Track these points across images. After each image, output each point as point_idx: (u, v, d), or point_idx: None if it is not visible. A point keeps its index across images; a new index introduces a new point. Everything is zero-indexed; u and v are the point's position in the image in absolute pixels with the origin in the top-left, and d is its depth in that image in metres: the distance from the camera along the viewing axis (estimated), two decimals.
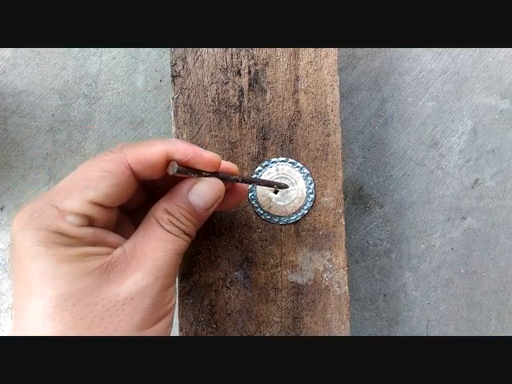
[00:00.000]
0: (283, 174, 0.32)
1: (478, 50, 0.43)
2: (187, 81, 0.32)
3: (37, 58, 0.40)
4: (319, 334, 0.31)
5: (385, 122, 0.42)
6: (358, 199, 0.42)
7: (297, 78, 0.32)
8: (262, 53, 0.32)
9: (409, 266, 0.43)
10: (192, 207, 0.24)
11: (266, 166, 0.32)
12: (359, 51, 0.42)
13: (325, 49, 0.31)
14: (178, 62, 0.31)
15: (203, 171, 0.24)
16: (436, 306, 0.43)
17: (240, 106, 0.32)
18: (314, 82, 0.32)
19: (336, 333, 0.31)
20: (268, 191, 0.32)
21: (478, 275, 0.43)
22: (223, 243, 0.31)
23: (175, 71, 0.31)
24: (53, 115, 0.40)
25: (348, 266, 0.32)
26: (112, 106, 0.40)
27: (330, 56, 0.32)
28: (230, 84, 0.32)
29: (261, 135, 0.32)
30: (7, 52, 0.40)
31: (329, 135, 0.32)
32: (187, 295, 0.31)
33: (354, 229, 0.42)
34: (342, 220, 0.32)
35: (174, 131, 0.31)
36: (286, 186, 0.31)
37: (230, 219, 0.31)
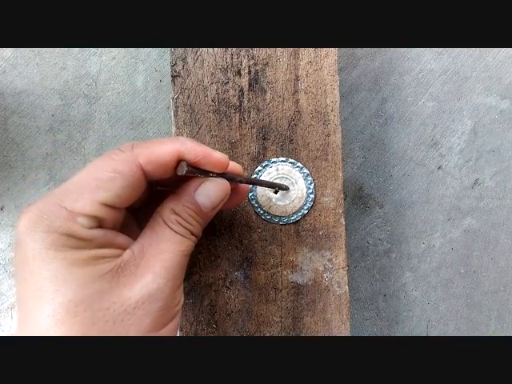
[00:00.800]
0: (283, 174, 0.32)
1: (478, 50, 0.43)
2: (187, 81, 0.32)
3: (37, 57, 0.40)
4: (319, 334, 0.31)
5: (385, 122, 0.42)
6: (358, 199, 0.42)
7: (297, 78, 0.32)
8: (262, 53, 0.32)
9: (409, 265, 0.43)
10: (199, 207, 0.24)
11: (266, 166, 0.32)
12: (359, 51, 0.42)
13: (325, 49, 0.31)
14: (178, 62, 0.31)
15: (211, 172, 0.24)
16: (436, 305, 0.43)
17: (240, 105, 0.32)
18: (314, 82, 0.32)
19: (336, 333, 0.31)
20: (268, 191, 0.32)
21: (478, 275, 0.43)
22: (223, 243, 0.31)
23: (175, 71, 0.31)
24: (53, 115, 0.40)
25: (348, 265, 0.32)
26: (112, 106, 0.40)
27: (330, 56, 0.32)
28: (230, 84, 0.32)
29: (261, 135, 0.32)
30: (7, 52, 0.40)
31: (329, 135, 0.32)
32: (187, 295, 0.31)
33: (353, 229, 0.42)
34: (342, 220, 0.32)
35: (173, 131, 0.31)
36: (287, 188, 0.31)
37: (230, 219, 0.31)
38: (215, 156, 0.24)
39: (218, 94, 0.32)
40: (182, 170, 0.22)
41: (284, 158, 0.32)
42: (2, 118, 0.39)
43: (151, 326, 0.22)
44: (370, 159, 0.42)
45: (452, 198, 0.43)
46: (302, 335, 0.31)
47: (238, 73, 0.32)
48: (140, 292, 0.21)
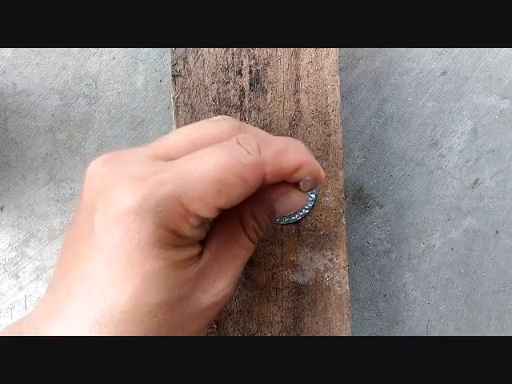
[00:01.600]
0: None
1: (477, 50, 0.43)
2: (188, 80, 0.32)
3: (37, 58, 0.40)
4: (320, 334, 0.31)
5: (385, 122, 0.42)
6: (358, 199, 0.42)
7: (298, 78, 0.32)
8: (262, 53, 0.32)
9: (409, 265, 0.43)
10: (273, 215, 0.23)
11: None
12: (359, 51, 0.42)
13: (325, 49, 0.32)
14: (178, 62, 0.31)
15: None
16: (436, 305, 0.43)
17: (241, 105, 0.32)
18: (314, 82, 0.32)
19: (337, 332, 0.31)
20: None
21: (478, 275, 0.43)
22: None
23: (176, 71, 0.31)
24: (53, 115, 0.40)
25: (348, 265, 0.32)
26: (112, 106, 0.40)
27: (330, 56, 0.32)
28: (231, 84, 0.32)
29: None
30: (7, 52, 0.40)
31: (330, 135, 0.32)
32: None
33: (353, 229, 0.42)
34: (343, 220, 0.32)
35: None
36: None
37: None
38: (323, 175, 0.23)
39: (219, 93, 0.32)
40: (304, 187, 0.21)
41: None
42: (2, 118, 0.39)
43: (205, 329, 0.22)
44: (370, 159, 0.42)
45: (452, 198, 0.43)
46: (302, 335, 0.31)
47: (239, 72, 0.32)
48: (211, 299, 0.21)
